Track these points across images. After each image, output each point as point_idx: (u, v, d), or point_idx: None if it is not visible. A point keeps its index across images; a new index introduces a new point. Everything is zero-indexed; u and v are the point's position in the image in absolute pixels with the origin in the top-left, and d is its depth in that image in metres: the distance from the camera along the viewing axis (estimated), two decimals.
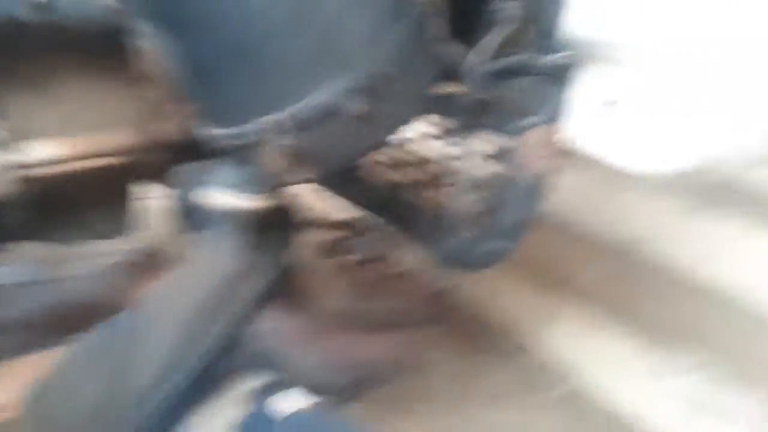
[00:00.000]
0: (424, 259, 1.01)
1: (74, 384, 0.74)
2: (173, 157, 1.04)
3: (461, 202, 0.77)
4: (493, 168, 0.78)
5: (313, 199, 1.39)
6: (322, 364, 1.21)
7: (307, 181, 0.69)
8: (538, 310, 1.39)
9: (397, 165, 1.01)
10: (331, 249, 1.75)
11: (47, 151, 1.01)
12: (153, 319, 0.75)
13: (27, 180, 0.97)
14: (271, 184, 0.73)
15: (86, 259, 1.38)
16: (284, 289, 0.89)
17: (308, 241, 1.32)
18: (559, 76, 0.61)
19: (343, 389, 1.17)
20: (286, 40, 0.59)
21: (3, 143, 0.95)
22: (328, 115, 0.61)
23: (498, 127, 0.77)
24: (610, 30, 0.46)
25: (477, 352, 1.34)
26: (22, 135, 0.98)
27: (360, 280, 1.65)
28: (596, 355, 1.26)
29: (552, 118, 0.63)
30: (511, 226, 0.75)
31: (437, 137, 0.93)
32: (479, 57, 0.65)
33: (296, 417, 0.83)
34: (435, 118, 0.85)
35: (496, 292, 1.43)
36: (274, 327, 1.03)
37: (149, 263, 1.29)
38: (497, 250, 0.80)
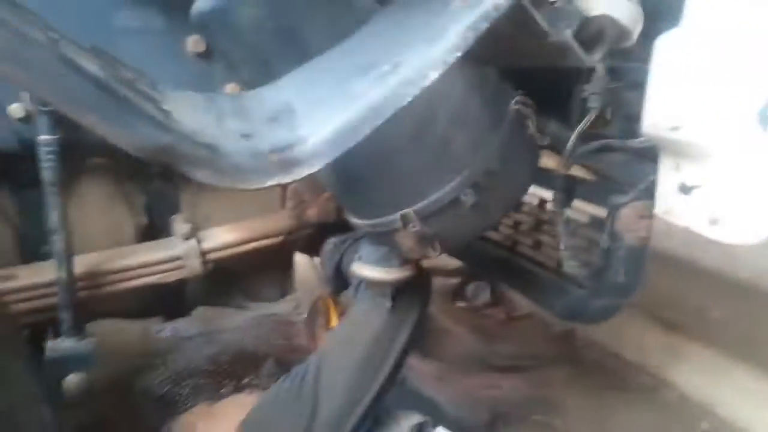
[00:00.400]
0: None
1: (277, 420, 0.93)
2: (321, 234, 1.26)
3: (570, 262, 0.86)
4: (594, 234, 0.87)
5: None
6: (459, 403, 1.32)
7: (435, 255, 0.83)
8: (668, 347, 1.38)
9: (512, 227, 1.12)
10: (452, 295, 1.88)
11: (220, 237, 1.26)
12: (330, 366, 0.94)
13: (206, 261, 1.22)
14: (405, 260, 0.89)
15: (249, 317, 1.65)
16: (422, 338, 1.04)
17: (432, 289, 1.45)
18: (646, 157, 0.69)
19: (481, 426, 1.27)
20: (410, 154, 0.75)
21: (187, 234, 1.21)
22: (446, 207, 0.75)
23: (595, 200, 0.87)
24: (686, 123, 0.51)
25: (611, 389, 1.36)
26: (200, 226, 1.24)
27: (483, 324, 1.74)
28: (733, 391, 1.24)
29: (645, 195, 0.71)
30: (622, 284, 0.82)
31: (548, 201, 1.04)
32: (573, 138, 0.76)
33: None
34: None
35: (622, 330, 1.44)
36: (415, 371, 1.18)
37: (305, 320, 1.52)
38: (611, 305, 0.87)
